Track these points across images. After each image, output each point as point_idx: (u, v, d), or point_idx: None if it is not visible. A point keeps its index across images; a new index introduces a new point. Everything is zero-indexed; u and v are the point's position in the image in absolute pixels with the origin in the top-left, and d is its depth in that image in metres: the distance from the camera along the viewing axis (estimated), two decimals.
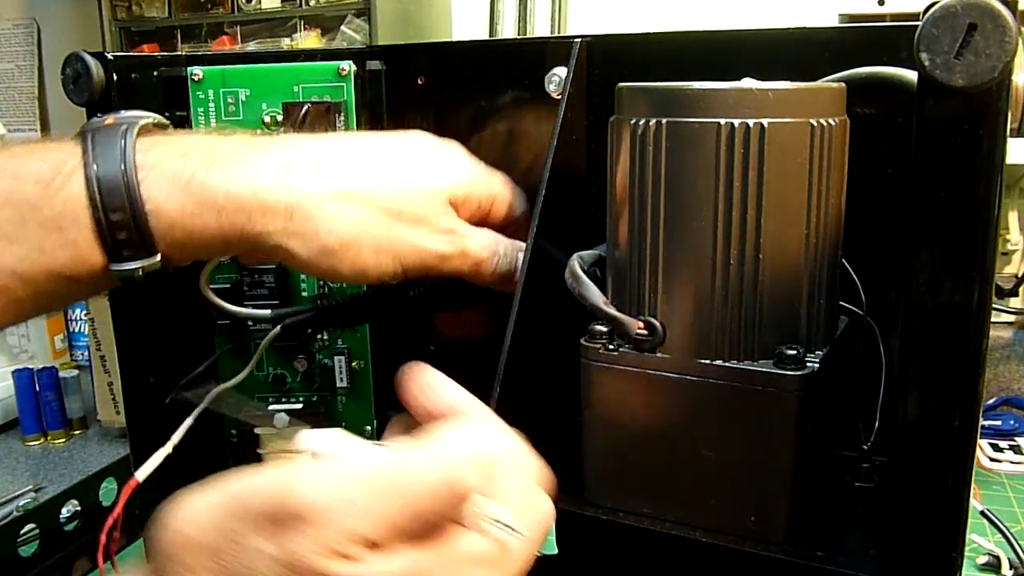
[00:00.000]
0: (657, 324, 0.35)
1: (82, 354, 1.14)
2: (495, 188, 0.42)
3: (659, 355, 0.35)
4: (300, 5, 1.58)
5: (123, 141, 0.36)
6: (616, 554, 0.39)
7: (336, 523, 0.24)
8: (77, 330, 1.18)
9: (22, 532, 0.65)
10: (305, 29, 1.60)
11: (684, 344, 0.34)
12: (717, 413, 0.34)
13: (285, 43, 1.59)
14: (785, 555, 0.34)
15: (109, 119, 0.38)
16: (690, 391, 0.35)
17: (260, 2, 1.59)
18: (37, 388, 0.97)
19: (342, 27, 1.57)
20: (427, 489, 0.26)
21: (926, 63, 0.28)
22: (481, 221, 0.42)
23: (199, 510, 0.25)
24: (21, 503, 0.78)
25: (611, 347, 0.36)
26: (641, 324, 0.35)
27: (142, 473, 0.47)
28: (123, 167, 0.35)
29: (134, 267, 0.36)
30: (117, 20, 1.65)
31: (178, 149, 0.37)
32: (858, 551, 0.35)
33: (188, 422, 0.49)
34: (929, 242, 0.29)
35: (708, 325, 0.34)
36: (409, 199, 0.39)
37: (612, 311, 0.35)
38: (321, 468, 0.26)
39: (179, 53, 0.60)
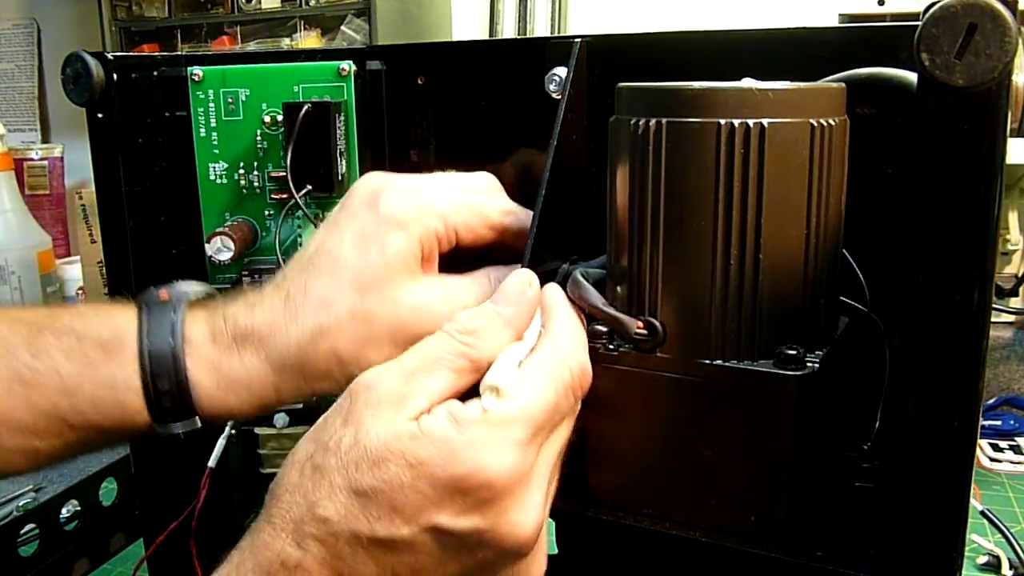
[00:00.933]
0: (657, 324, 0.35)
1: None
2: (452, 219, 0.40)
3: (659, 355, 0.35)
4: (300, 5, 1.58)
5: (173, 320, 0.40)
6: (616, 554, 0.39)
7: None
8: None
9: (22, 532, 0.65)
10: (305, 29, 1.60)
11: (684, 344, 0.34)
12: (717, 413, 0.34)
13: (285, 43, 1.59)
14: (785, 555, 0.34)
15: (164, 294, 0.43)
16: (690, 391, 0.34)
17: (260, 2, 1.59)
18: None
19: (342, 27, 1.57)
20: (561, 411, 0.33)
21: (926, 63, 0.28)
22: (462, 244, 0.41)
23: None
24: (21, 503, 0.78)
25: (611, 347, 0.36)
26: (640, 324, 0.35)
27: (213, 460, 0.50)
28: (172, 345, 0.40)
29: (177, 430, 0.40)
30: (117, 20, 1.65)
31: (210, 330, 0.41)
32: (858, 551, 0.35)
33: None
34: (929, 242, 0.29)
35: (708, 325, 0.34)
36: (379, 295, 0.39)
37: (611, 311, 0.35)
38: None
39: (179, 53, 0.60)
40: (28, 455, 0.40)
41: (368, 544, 0.30)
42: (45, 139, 2.05)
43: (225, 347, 0.40)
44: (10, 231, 1.11)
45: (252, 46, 1.60)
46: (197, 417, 0.40)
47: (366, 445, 0.31)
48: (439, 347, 0.33)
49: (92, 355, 0.40)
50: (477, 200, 0.41)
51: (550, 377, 0.33)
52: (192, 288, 0.44)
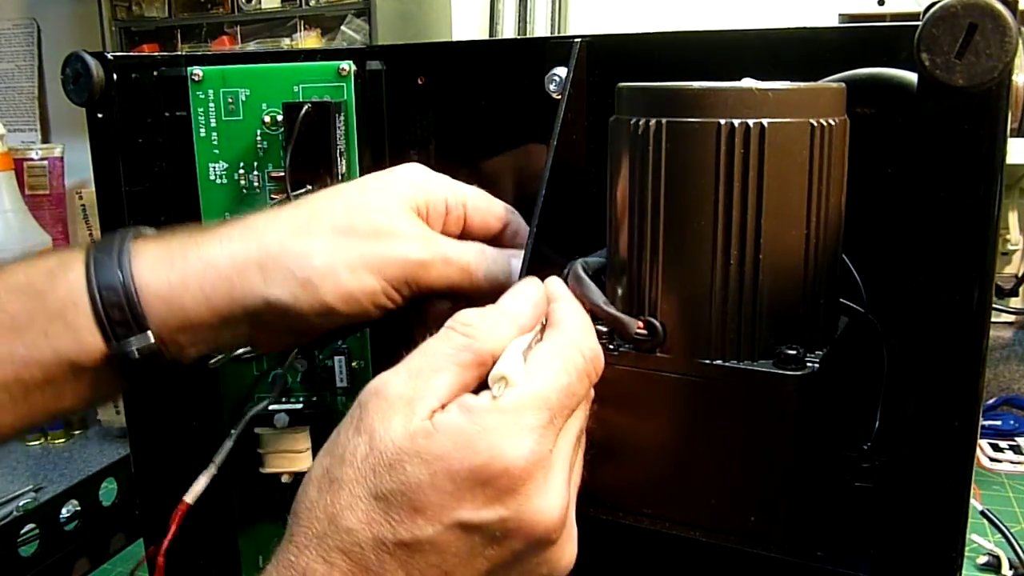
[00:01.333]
0: (657, 324, 0.35)
1: None
2: (463, 193, 0.43)
3: (659, 355, 0.35)
4: (300, 5, 1.58)
5: (120, 238, 0.40)
6: (616, 554, 0.39)
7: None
8: None
9: (22, 532, 0.65)
10: (305, 29, 1.59)
11: (684, 344, 0.34)
12: (717, 413, 0.34)
13: (285, 43, 1.59)
14: (785, 555, 0.34)
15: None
16: (690, 391, 0.34)
17: (260, 2, 1.59)
18: None
19: (342, 27, 1.57)
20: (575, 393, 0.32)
21: (926, 63, 0.28)
22: (462, 233, 0.43)
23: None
24: (21, 503, 0.78)
25: (611, 347, 0.36)
26: (641, 324, 0.35)
27: (191, 496, 0.48)
28: (117, 254, 0.39)
29: (130, 348, 0.38)
30: (117, 20, 1.65)
31: (163, 239, 0.41)
32: (858, 551, 0.35)
33: (228, 444, 0.49)
34: (929, 242, 0.29)
35: (708, 325, 0.34)
36: (365, 213, 0.40)
37: (612, 311, 0.35)
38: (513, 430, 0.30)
39: (179, 53, 0.60)
40: None
41: (394, 549, 0.30)
42: (45, 139, 2.05)
43: (179, 245, 0.40)
44: (10, 231, 1.11)
45: (252, 46, 1.60)
46: (150, 332, 0.39)
47: (381, 450, 0.30)
48: (442, 344, 0.33)
49: (39, 285, 0.39)
50: (486, 193, 0.44)
51: (560, 361, 0.32)
52: (144, 228, 0.44)
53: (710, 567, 0.37)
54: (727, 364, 0.34)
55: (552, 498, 0.31)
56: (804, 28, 0.40)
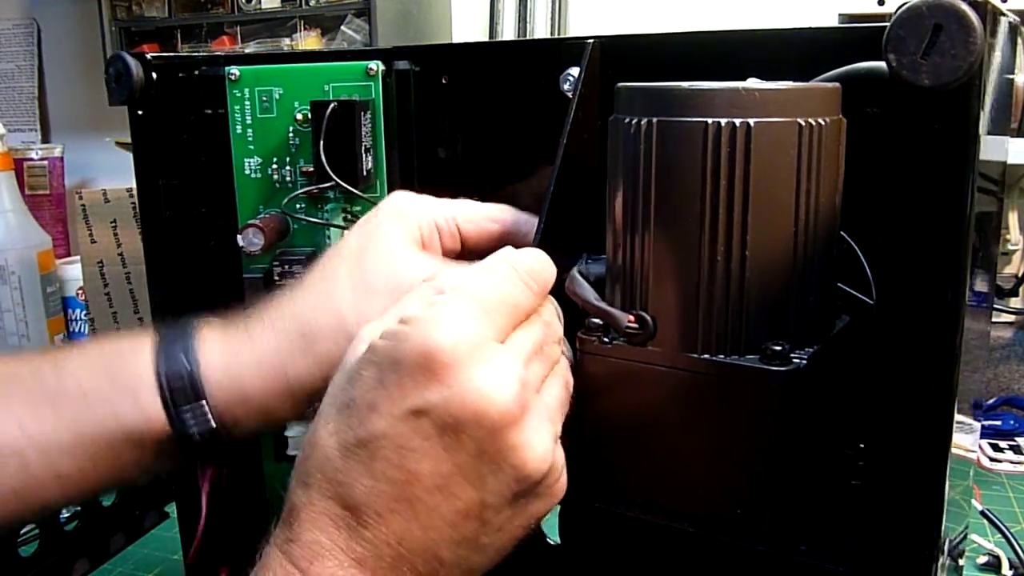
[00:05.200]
0: (647, 318, 0.35)
1: None
2: (450, 210, 0.44)
3: (650, 348, 0.35)
4: (300, 5, 1.58)
5: (186, 326, 0.44)
6: (606, 544, 0.40)
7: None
8: (77, 330, 1.19)
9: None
10: (305, 29, 1.60)
11: (673, 338, 0.35)
12: (705, 406, 0.35)
13: (285, 43, 1.59)
14: (768, 548, 0.35)
15: None
16: (679, 384, 0.35)
17: (260, 2, 1.59)
18: None
19: (342, 27, 1.57)
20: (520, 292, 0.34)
21: (893, 64, 0.28)
22: (462, 246, 0.44)
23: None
24: None
25: (604, 340, 0.36)
26: (631, 318, 0.35)
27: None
28: (183, 335, 0.43)
29: (190, 423, 0.42)
30: (117, 20, 1.65)
31: (224, 327, 0.44)
32: (841, 545, 0.36)
33: None
34: (904, 240, 0.30)
35: (696, 319, 0.34)
36: (378, 273, 0.42)
37: (602, 305, 0.36)
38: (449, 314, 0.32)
39: (218, 54, 0.62)
40: (60, 480, 0.41)
41: (355, 450, 0.31)
42: (45, 139, 2.05)
43: (236, 329, 0.44)
44: (10, 231, 1.12)
45: (252, 46, 1.60)
46: (211, 417, 0.42)
47: (347, 371, 0.33)
48: (413, 292, 0.36)
49: (111, 362, 0.43)
50: (473, 202, 0.45)
51: (487, 270, 0.34)
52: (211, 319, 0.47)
53: (696, 558, 0.37)
54: (715, 358, 0.34)
55: (498, 379, 0.31)
56: (804, 28, 0.40)
